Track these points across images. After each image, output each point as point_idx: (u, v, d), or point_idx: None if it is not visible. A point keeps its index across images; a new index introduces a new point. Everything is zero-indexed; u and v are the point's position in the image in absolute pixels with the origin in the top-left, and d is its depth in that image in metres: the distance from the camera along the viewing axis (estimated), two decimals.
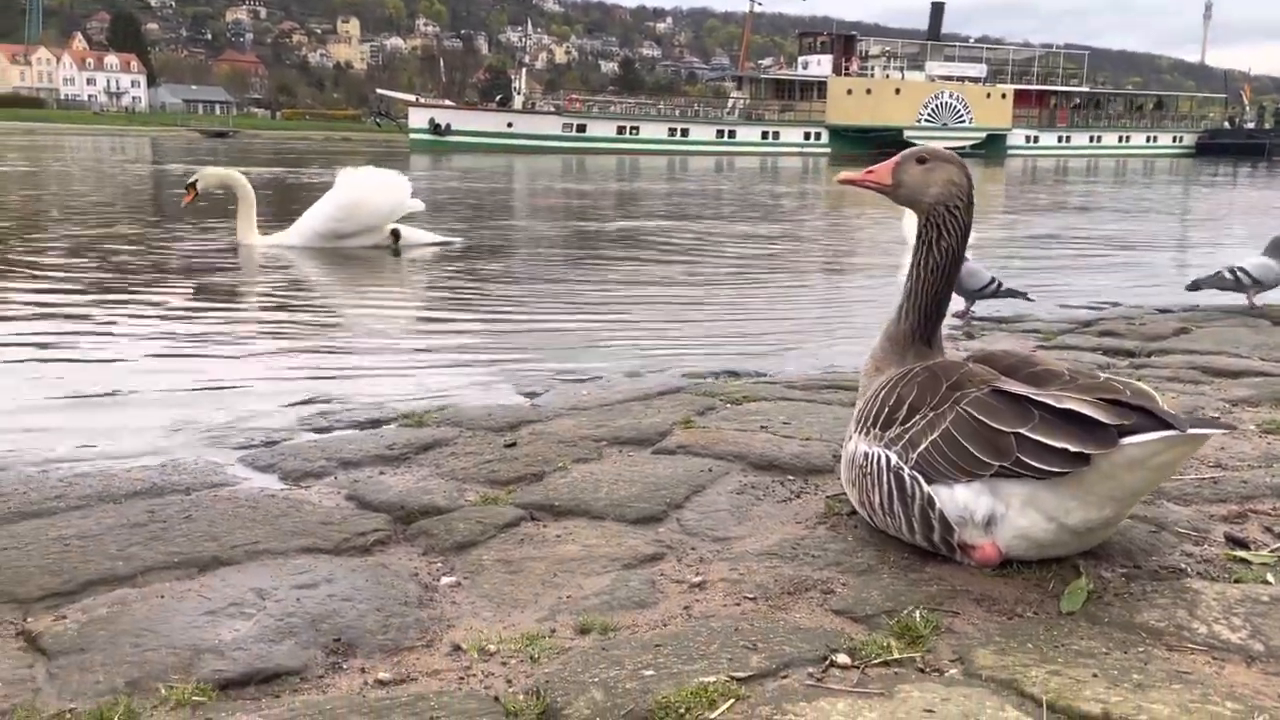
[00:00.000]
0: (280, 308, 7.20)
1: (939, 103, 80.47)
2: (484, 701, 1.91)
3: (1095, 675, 1.95)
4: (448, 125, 67.85)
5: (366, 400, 4.47)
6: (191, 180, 10.60)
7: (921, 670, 2.01)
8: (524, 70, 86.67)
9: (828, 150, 73.93)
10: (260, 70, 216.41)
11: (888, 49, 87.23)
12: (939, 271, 2.78)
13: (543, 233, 13.77)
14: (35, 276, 8.07)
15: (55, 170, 26.78)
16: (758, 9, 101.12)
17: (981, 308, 7.02)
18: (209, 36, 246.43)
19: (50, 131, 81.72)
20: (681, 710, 1.84)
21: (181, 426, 4.02)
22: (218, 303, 7.38)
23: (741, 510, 2.97)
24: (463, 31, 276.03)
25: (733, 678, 1.95)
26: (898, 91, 79.72)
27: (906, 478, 2.52)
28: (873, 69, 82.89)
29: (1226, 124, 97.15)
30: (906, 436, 2.54)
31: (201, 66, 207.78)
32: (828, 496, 3.07)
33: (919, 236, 2.81)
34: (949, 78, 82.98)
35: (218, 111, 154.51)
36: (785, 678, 1.97)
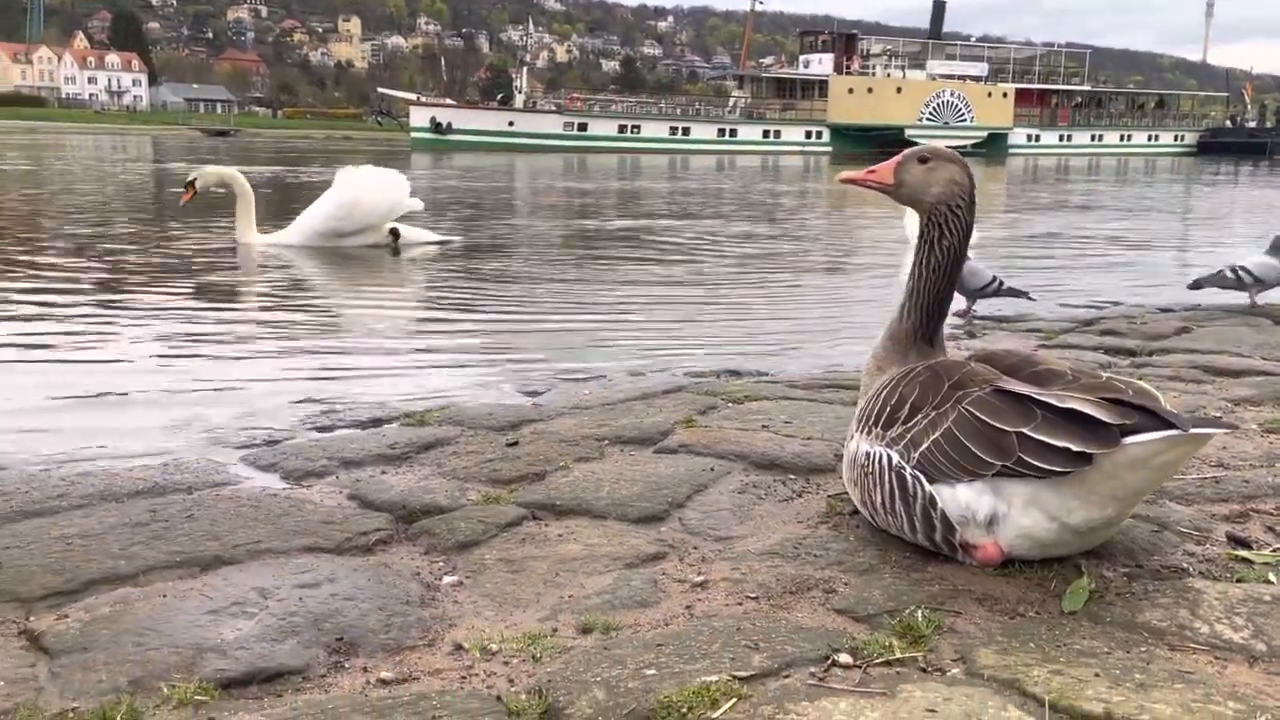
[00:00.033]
0: (281, 307, 7.20)
1: (940, 101, 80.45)
2: (486, 701, 1.91)
3: (1097, 675, 1.95)
4: (449, 124, 67.87)
5: (368, 399, 4.47)
6: (190, 179, 10.60)
7: (923, 670, 2.01)
8: (525, 69, 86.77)
9: (829, 149, 73.92)
10: (261, 69, 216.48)
11: (889, 48, 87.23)
12: (941, 270, 2.78)
13: (544, 232, 13.77)
14: (35, 276, 8.07)
15: (56, 169, 26.79)
16: (759, 8, 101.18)
17: (983, 307, 7.02)
18: (210, 35, 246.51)
19: (51, 130, 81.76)
20: (684, 709, 1.84)
21: (183, 426, 4.02)
22: (218, 302, 7.37)
23: (743, 509, 2.97)
24: (464, 30, 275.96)
25: (735, 677, 1.95)
26: (899, 90, 79.71)
27: (908, 477, 2.52)
28: (874, 68, 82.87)
29: (1228, 123, 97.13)
30: (908, 436, 2.54)
31: (203, 65, 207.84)
32: (829, 496, 3.07)
33: (921, 235, 2.81)
34: (950, 76, 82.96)
35: (219, 110, 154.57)
36: (787, 677, 1.97)
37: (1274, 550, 2.64)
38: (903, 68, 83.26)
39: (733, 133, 75.55)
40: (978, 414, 2.39)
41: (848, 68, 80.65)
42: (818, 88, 78.96)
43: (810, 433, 3.71)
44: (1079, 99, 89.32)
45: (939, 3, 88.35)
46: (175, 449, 3.67)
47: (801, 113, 78.45)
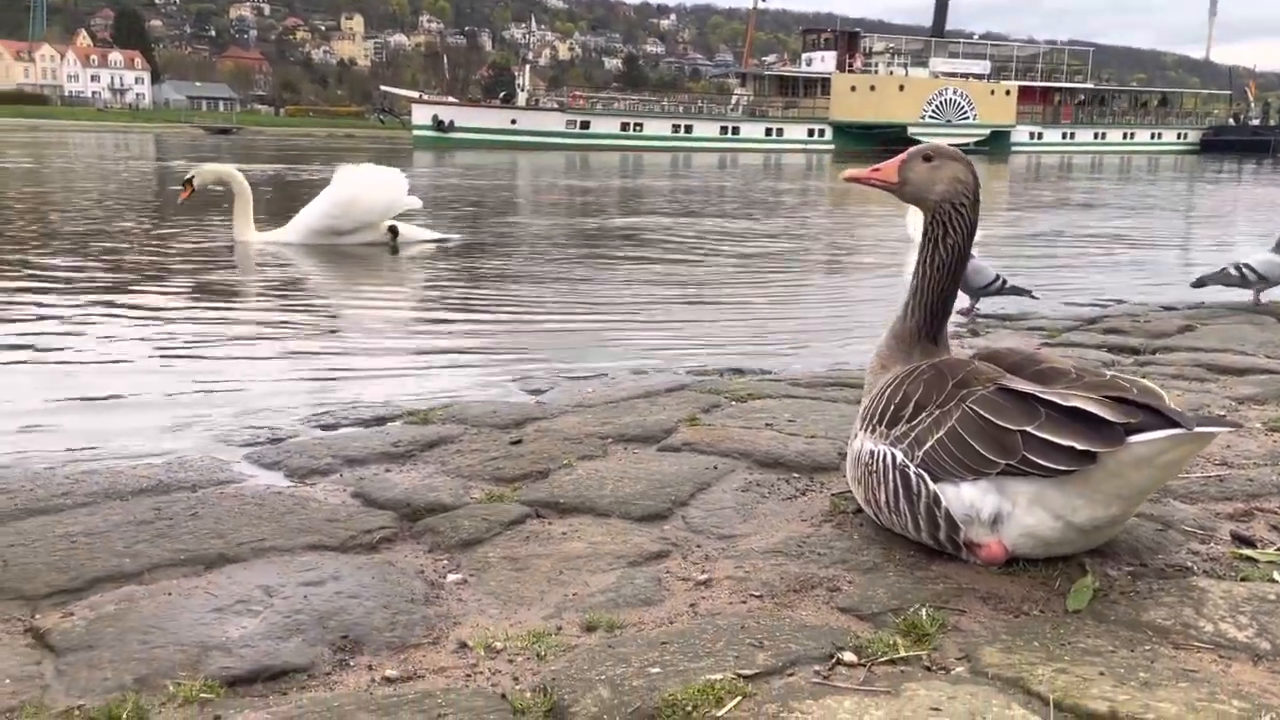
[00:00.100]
0: (281, 306, 7.20)
1: (943, 99, 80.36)
2: (491, 699, 1.92)
3: (1102, 673, 1.95)
4: (451, 122, 67.91)
5: (371, 398, 4.47)
6: (188, 177, 10.61)
7: (928, 668, 2.01)
8: (527, 67, 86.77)
9: (831, 147, 73.88)
10: (264, 67, 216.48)
11: (892, 45, 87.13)
12: (945, 269, 2.77)
13: (546, 230, 13.77)
14: (36, 277, 8.05)
15: (58, 167, 26.81)
16: (761, 6, 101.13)
17: (986, 305, 7.02)
18: (213, 33, 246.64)
19: (54, 129, 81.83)
20: (688, 708, 1.84)
21: (186, 424, 4.03)
22: (218, 301, 7.37)
23: (747, 508, 2.97)
24: (466, 28, 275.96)
25: (739, 675, 1.95)
26: (901, 88, 79.65)
27: (912, 475, 2.51)
28: (877, 65, 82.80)
29: (1231, 121, 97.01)
30: (912, 434, 2.53)
31: (205, 63, 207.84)
32: (833, 494, 3.07)
33: (925, 234, 2.81)
34: (953, 74, 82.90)
35: (221, 108, 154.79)
36: (792, 675, 1.97)
37: (1278, 549, 2.64)
38: (905, 66, 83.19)
39: (735, 131, 75.52)
40: (982, 412, 2.38)
41: (850, 65, 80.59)
42: (820, 85, 78.92)
43: (814, 431, 3.71)
44: (1082, 97, 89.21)
45: (941, 1, 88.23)
46: (179, 447, 3.67)
47: (804, 111, 78.42)
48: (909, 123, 75.79)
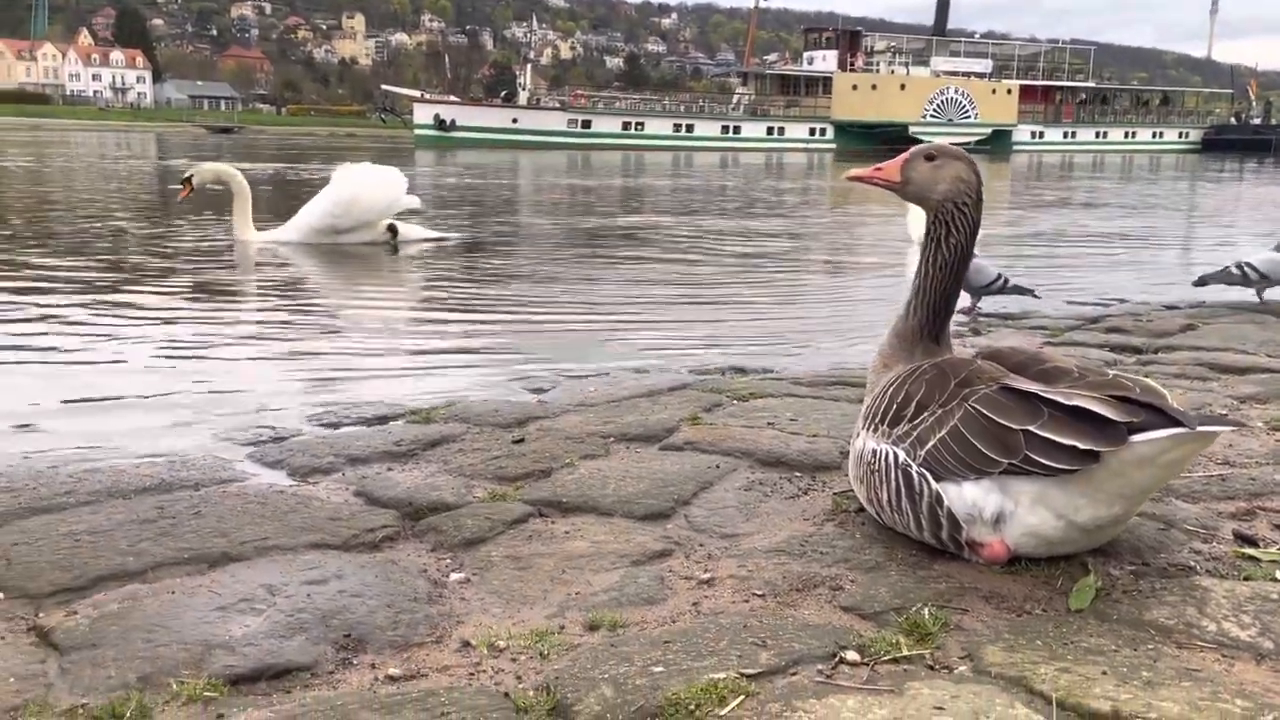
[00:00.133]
0: (282, 305, 7.20)
1: (944, 98, 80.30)
2: (494, 698, 1.92)
3: (1105, 673, 1.95)
4: (453, 121, 67.89)
5: (373, 397, 4.47)
6: (187, 175, 10.61)
7: (931, 667, 2.01)
8: (529, 66, 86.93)
9: (833, 146, 73.83)
10: (265, 66, 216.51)
11: (893, 44, 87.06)
12: (947, 268, 2.77)
13: (548, 229, 13.78)
14: (36, 277, 8.04)
15: (59, 166, 26.82)
16: (763, 4, 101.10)
17: (988, 304, 7.02)
18: (214, 32, 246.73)
19: (56, 127, 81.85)
20: (691, 707, 1.84)
21: (188, 423, 4.03)
22: (218, 301, 7.37)
23: (749, 507, 2.98)
24: (468, 27, 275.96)
25: (742, 674, 1.95)
26: (903, 87, 79.58)
27: (915, 475, 2.52)
28: (878, 64, 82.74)
29: (1233, 119, 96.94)
30: (915, 433, 2.54)
31: (207, 62, 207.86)
32: (835, 493, 3.07)
33: (928, 233, 2.81)
34: (954, 73, 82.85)
35: (223, 107, 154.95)
36: (795, 674, 1.97)
37: None
38: (907, 65, 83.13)
39: (736, 130, 75.48)
40: (984, 412, 2.39)
41: (852, 64, 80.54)
42: (822, 84, 78.88)
43: (816, 430, 3.71)
44: (1083, 96, 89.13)
45: (943, 0, 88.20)
46: (181, 446, 3.67)
47: (805, 110, 78.38)
48: (910, 122, 75.74)
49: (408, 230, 10.84)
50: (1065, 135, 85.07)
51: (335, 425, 3.99)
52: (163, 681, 1.96)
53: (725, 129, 75.55)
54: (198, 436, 3.84)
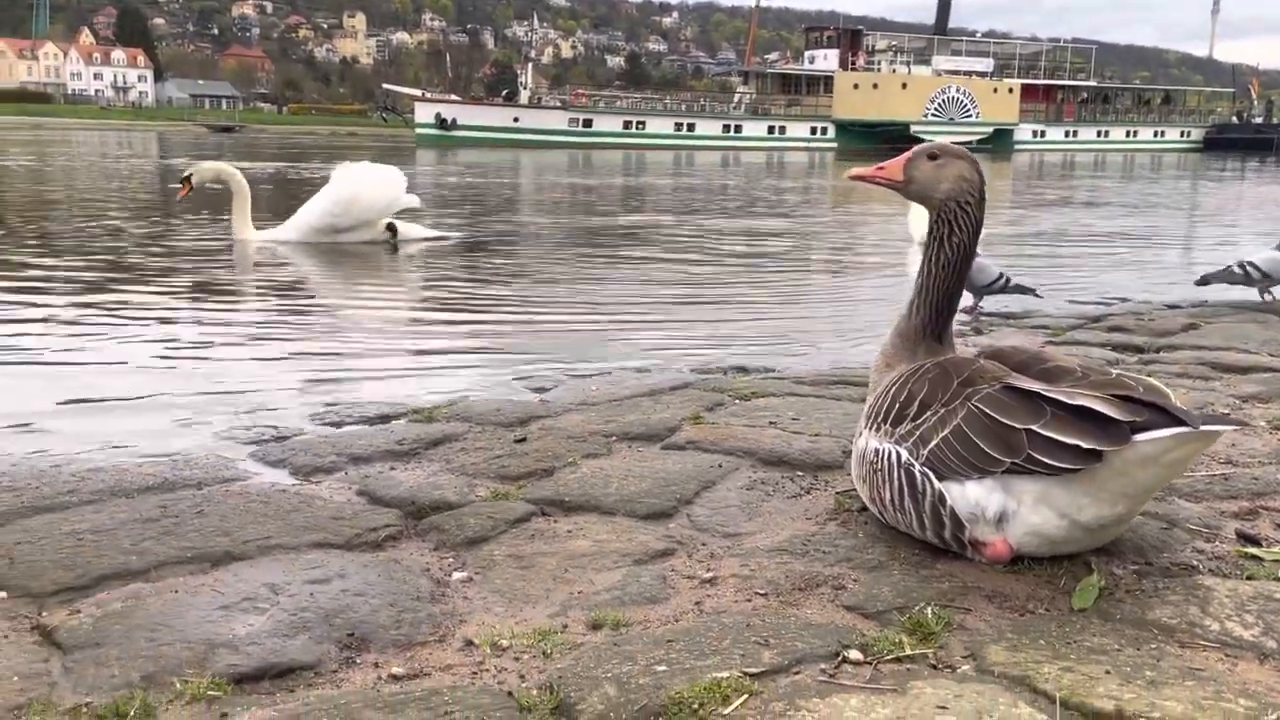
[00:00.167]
0: (284, 305, 7.20)
1: (946, 97, 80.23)
2: (498, 696, 1.92)
3: (1108, 672, 1.95)
4: (454, 120, 67.88)
5: (375, 396, 4.47)
6: (186, 174, 10.61)
7: (934, 667, 2.01)
8: (530, 65, 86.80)
9: (834, 145, 73.78)
10: (267, 65, 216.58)
11: (894, 43, 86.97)
12: (950, 267, 2.77)
13: (549, 228, 13.77)
14: (36, 277, 8.01)
15: (61, 165, 26.83)
16: (764, 3, 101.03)
17: (990, 303, 7.01)
18: (216, 31, 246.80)
19: (57, 126, 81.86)
20: (695, 705, 1.84)
21: (190, 423, 4.03)
22: (219, 300, 7.37)
23: (752, 506, 2.98)
24: (469, 26, 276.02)
25: (745, 673, 1.95)
26: (904, 86, 79.50)
27: (917, 474, 2.52)
28: (879, 64, 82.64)
29: (1234, 118, 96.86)
30: (917, 433, 2.54)
31: (208, 61, 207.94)
32: (838, 492, 3.07)
33: (930, 232, 2.81)
34: (956, 72, 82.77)
35: (224, 106, 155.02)
36: (798, 674, 1.97)
37: None
38: (908, 64, 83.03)
39: (738, 129, 75.44)
40: (987, 411, 2.39)
41: (853, 63, 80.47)
42: (823, 83, 78.83)
43: (818, 429, 3.71)
44: (1085, 95, 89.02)
45: None
46: (184, 445, 3.67)
47: (807, 109, 78.33)
48: (912, 121, 75.66)
49: (407, 229, 10.85)
50: (1067, 134, 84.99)
51: (337, 424, 3.99)
52: (166, 680, 1.97)
53: (726, 128, 75.49)
54: (200, 436, 3.84)
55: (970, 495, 2.43)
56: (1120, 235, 13.90)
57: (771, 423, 3.80)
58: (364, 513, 2.90)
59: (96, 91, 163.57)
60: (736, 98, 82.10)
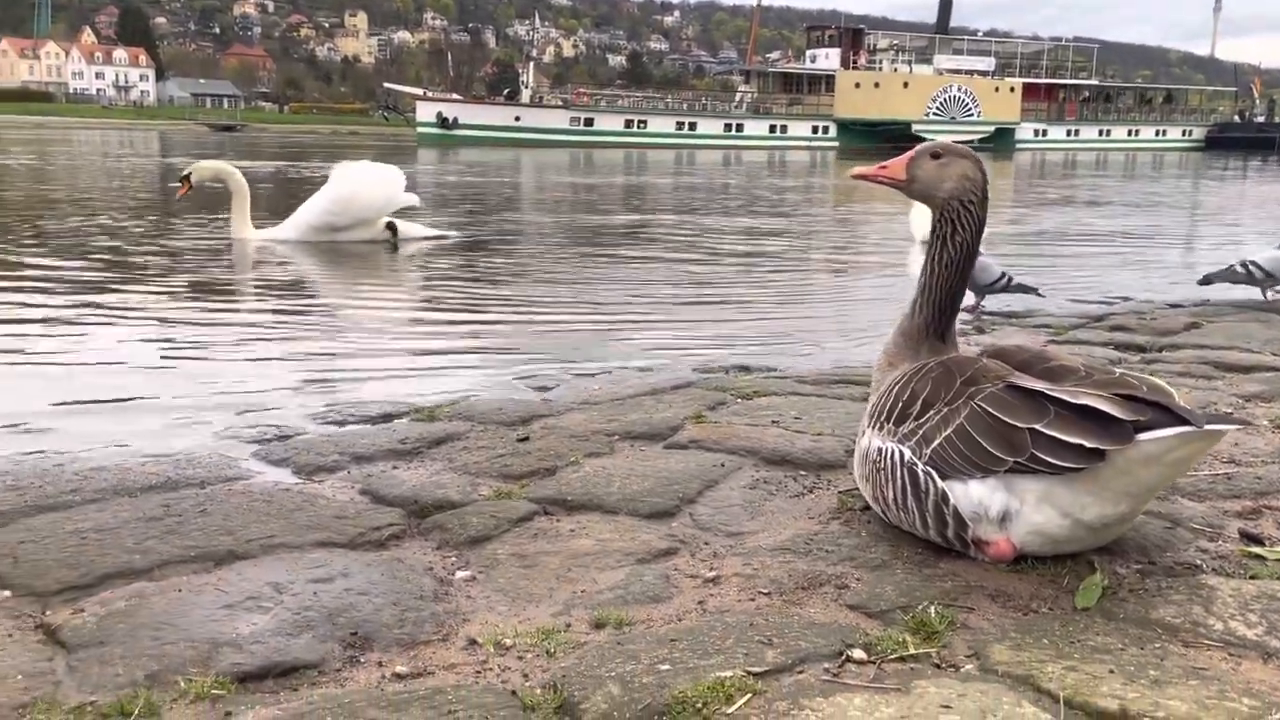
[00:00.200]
0: (285, 304, 7.20)
1: (947, 96, 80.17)
2: (501, 695, 1.92)
3: (1112, 671, 1.95)
4: (455, 119, 67.90)
5: (377, 395, 4.47)
6: (185, 173, 10.62)
7: (938, 666, 2.01)
8: (531, 64, 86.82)
9: (835, 144, 73.74)
10: (268, 64, 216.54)
11: (896, 42, 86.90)
12: (953, 266, 2.77)
13: (551, 227, 13.77)
14: (37, 277, 7.99)
15: (62, 164, 26.84)
16: (765, 2, 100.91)
17: (992, 302, 7.01)
18: (217, 30, 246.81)
19: (59, 125, 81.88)
20: (698, 704, 1.84)
21: (192, 422, 4.03)
22: (219, 299, 7.37)
23: (754, 505, 2.98)
24: (470, 25, 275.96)
25: (749, 672, 1.95)
26: (906, 85, 79.44)
27: (920, 473, 2.51)
28: (881, 62, 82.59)
29: (1236, 117, 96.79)
30: (920, 432, 2.53)
31: (209, 60, 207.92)
32: (840, 492, 3.07)
33: (933, 231, 2.81)
34: (957, 71, 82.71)
35: (226, 105, 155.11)
36: (801, 673, 1.97)
37: None
38: (910, 62, 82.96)
39: (739, 128, 75.40)
40: (990, 410, 2.38)
41: (854, 62, 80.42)
42: (824, 83, 78.78)
43: (820, 428, 3.71)
44: (1086, 94, 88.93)
45: None
46: (186, 444, 3.67)
47: (808, 108, 78.28)
48: (913, 120, 75.62)
49: (407, 228, 10.85)
50: (1068, 133, 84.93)
51: (340, 423, 3.99)
52: (170, 679, 1.97)
53: (728, 127, 75.46)
54: (201, 435, 3.84)
55: (973, 494, 2.43)
56: (1122, 234, 13.90)
57: (774, 422, 3.80)
58: (367, 512, 2.90)
59: (98, 91, 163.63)
60: (738, 97, 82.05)
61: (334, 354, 5.50)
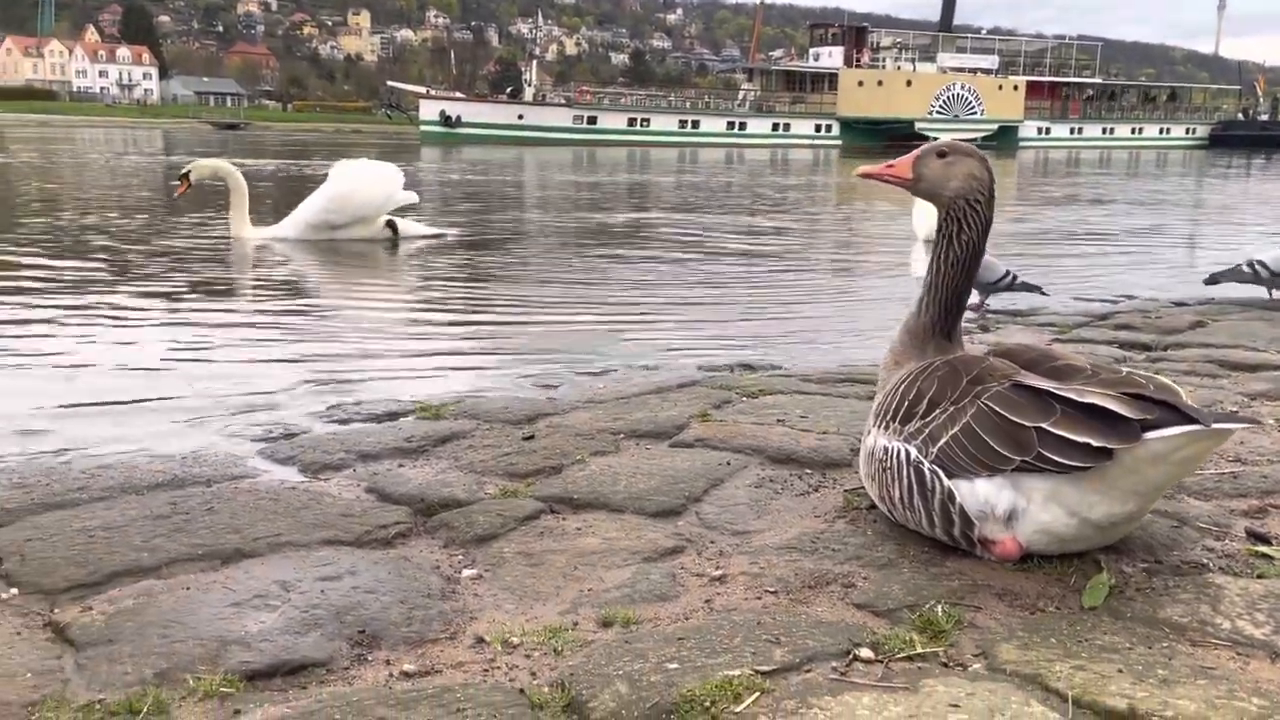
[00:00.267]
0: (286, 303, 7.20)
1: (951, 94, 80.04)
2: (509, 694, 1.92)
3: (1120, 670, 1.95)
4: (458, 117, 67.90)
5: (382, 393, 4.48)
6: (184, 171, 10.62)
7: (945, 665, 2.01)
8: (534, 62, 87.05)
9: (838, 142, 73.66)
10: (271, 62, 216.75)
11: (899, 40, 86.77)
12: (959, 265, 2.77)
13: (554, 226, 13.78)
14: (37, 277, 7.98)
15: (65, 162, 26.86)
16: (768, 0, 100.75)
17: (996, 301, 7.01)
18: (220, 29, 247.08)
19: (62, 124, 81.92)
20: (707, 703, 1.84)
21: (198, 421, 4.03)
22: (219, 298, 7.37)
23: (760, 504, 2.98)
24: (473, 23, 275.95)
25: (757, 671, 1.95)
26: (909, 83, 79.31)
27: (926, 472, 2.51)
28: (884, 61, 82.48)
29: (1240, 116, 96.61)
30: (926, 431, 2.53)
31: (213, 59, 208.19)
32: (846, 490, 3.07)
33: (939, 230, 2.80)
34: (961, 69, 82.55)
35: (229, 104, 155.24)
36: (809, 671, 1.98)
37: None
38: (913, 61, 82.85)
39: (742, 126, 75.34)
40: (997, 409, 2.38)
41: (857, 61, 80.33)
42: (827, 81, 78.70)
43: (826, 427, 3.71)
44: (1090, 92, 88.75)
45: None
46: (192, 443, 3.67)
47: (811, 106, 78.21)
48: (916, 118, 75.53)
49: (406, 226, 10.86)
50: (1072, 131, 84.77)
51: (345, 422, 4.00)
52: (179, 677, 1.97)
53: (731, 125, 75.40)
54: (207, 434, 3.85)
55: (980, 493, 2.43)
56: (1126, 233, 13.88)
57: (779, 420, 3.80)
58: (373, 510, 2.91)
59: (101, 89, 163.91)
60: (741, 95, 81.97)
61: (337, 353, 5.50)
